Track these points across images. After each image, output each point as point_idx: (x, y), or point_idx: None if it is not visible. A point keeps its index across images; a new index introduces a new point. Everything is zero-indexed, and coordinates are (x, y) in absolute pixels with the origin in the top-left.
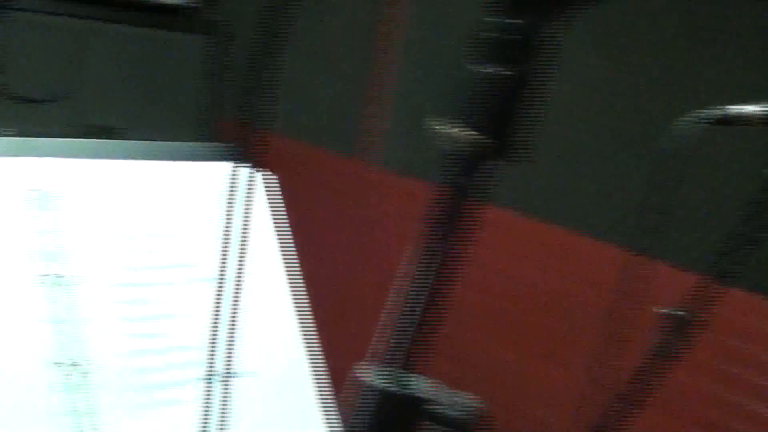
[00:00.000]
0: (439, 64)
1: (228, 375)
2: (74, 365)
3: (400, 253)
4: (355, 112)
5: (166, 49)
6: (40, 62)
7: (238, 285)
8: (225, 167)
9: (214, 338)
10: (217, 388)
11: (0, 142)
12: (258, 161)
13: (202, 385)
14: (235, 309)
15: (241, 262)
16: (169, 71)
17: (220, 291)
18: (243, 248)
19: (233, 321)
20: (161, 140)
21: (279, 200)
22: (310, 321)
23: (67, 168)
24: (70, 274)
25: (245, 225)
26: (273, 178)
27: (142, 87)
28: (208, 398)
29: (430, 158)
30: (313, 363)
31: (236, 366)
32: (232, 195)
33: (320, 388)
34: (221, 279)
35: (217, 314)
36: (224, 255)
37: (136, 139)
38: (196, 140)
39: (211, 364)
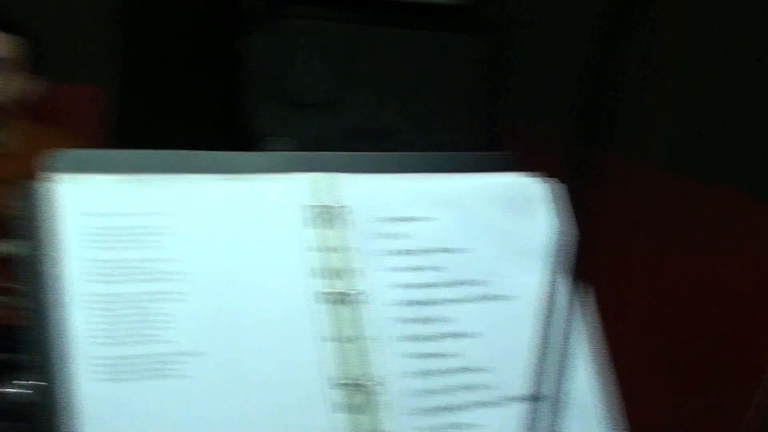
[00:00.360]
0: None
1: (557, 399)
2: (358, 385)
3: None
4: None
5: (439, 50)
6: (314, 68)
7: (568, 302)
8: (511, 178)
9: (542, 360)
10: (545, 412)
11: (281, 157)
12: (549, 171)
13: (527, 408)
14: (567, 328)
15: (573, 280)
16: (442, 73)
17: (550, 308)
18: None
19: (565, 342)
20: (436, 143)
21: (568, 213)
22: (600, 343)
23: (351, 182)
24: (354, 291)
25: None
26: (561, 188)
27: (415, 90)
28: (534, 422)
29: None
30: (603, 389)
31: (562, 390)
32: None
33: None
34: (552, 295)
35: (546, 334)
36: (554, 272)
37: (409, 142)
38: (471, 143)
39: (538, 386)
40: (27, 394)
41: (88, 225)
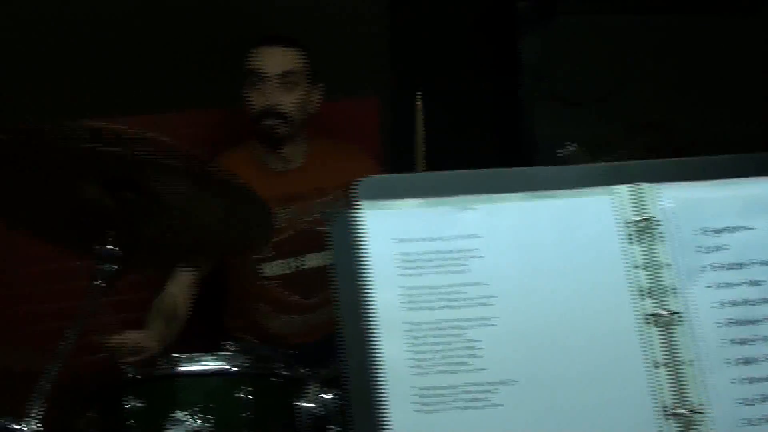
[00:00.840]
0: None
1: None
2: (696, 414)
3: None
4: None
5: (719, 34)
6: (585, 63)
7: None
8: None
9: None
10: None
11: (586, 170)
12: None
13: None
14: None
15: None
16: (723, 59)
17: None
18: None
19: None
20: (716, 135)
21: None
22: None
23: (669, 193)
24: (685, 311)
25: None
26: None
27: (693, 78)
28: None
29: None
30: None
31: None
32: None
33: None
34: None
35: None
36: None
37: (688, 134)
38: (754, 135)
39: None
40: (332, 410)
41: (396, 251)
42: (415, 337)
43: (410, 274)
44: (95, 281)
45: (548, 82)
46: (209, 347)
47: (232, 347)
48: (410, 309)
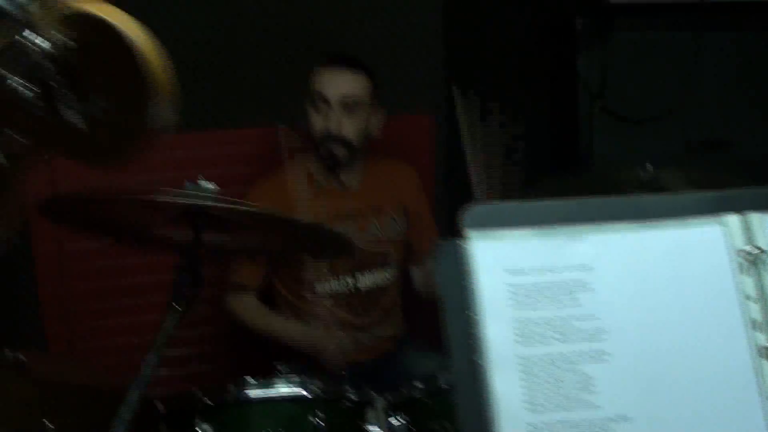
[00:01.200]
0: None
1: None
2: None
3: None
4: None
5: None
6: (644, 80)
7: None
8: None
9: None
10: None
11: (693, 198)
12: None
13: None
14: None
15: None
16: None
17: None
18: None
19: None
20: None
21: None
22: None
23: None
24: None
25: None
26: None
27: (753, 96)
28: None
29: None
30: None
31: None
32: None
33: None
34: None
35: None
36: None
37: (747, 153)
38: None
39: None
40: None
41: (508, 283)
42: (528, 372)
43: (522, 307)
44: (173, 304)
45: (606, 99)
46: (261, 368)
47: (286, 369)
48: (522, 343)
